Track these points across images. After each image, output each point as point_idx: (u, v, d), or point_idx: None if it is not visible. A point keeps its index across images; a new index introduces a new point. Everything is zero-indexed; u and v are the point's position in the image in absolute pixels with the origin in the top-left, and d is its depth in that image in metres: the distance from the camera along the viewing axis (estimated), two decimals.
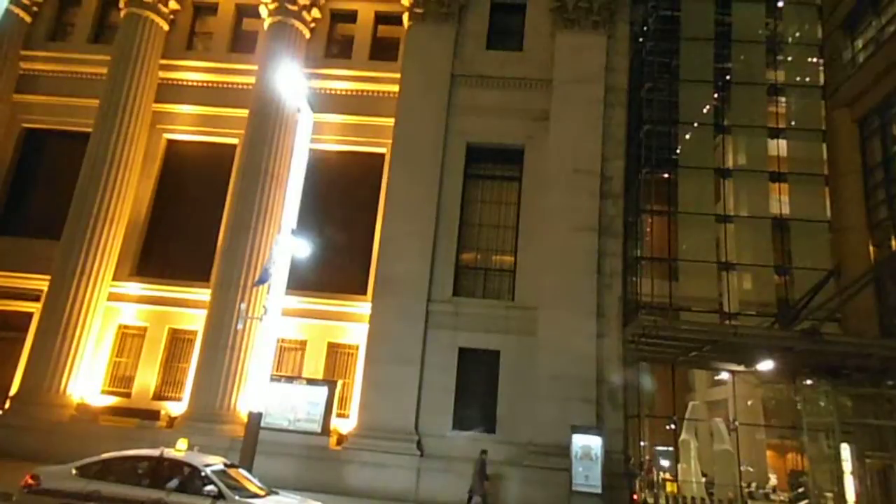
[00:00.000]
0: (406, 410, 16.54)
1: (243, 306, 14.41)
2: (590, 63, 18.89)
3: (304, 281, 18.85)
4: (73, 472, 8.89)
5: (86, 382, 18.30)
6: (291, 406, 16.78)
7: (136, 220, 19.94)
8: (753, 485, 22.02)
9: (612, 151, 18.41)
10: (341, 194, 20.03)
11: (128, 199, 19.67)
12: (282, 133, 19.36)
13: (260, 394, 11.53)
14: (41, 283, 19.20)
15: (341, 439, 17.08)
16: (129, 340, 19.17)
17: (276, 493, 9.45)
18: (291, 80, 12.29)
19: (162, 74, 20.94)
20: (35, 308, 19.23)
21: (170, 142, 20.94)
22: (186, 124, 20.87)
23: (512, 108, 19.01)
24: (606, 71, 18.93)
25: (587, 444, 15.28)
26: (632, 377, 17.17)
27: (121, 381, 18.81)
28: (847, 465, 16.44)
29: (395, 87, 20.08)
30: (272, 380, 16.85)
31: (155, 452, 8.96)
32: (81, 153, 20.37)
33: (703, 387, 26.00)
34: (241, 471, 9.85)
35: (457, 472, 15.81)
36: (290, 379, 17.31)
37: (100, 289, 18.68)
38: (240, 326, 14.11)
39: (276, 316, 12.02)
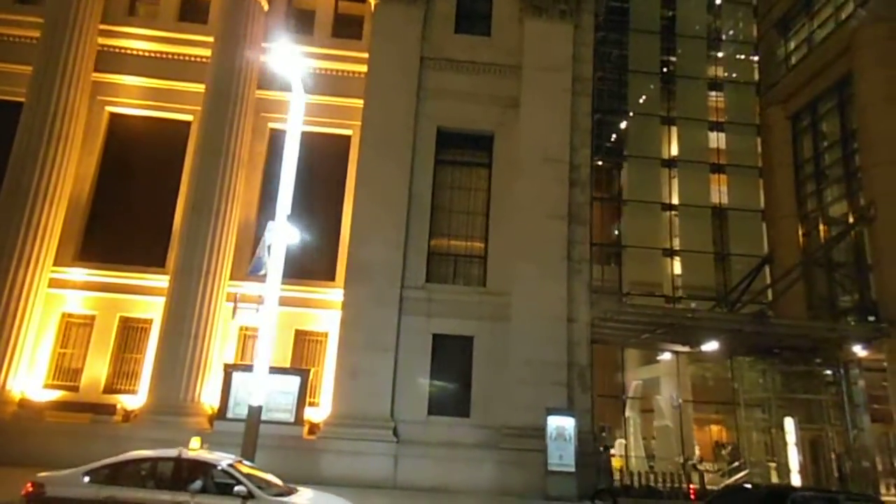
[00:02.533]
0: (382, 397, 16.40)
1: (236, 292, 13.66)
2: (558, 52, 19.15)
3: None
4: (83, 476, 8.19)
5: (27, 376, 16.86)
6: (265, 397, 16.17)
7: (79, 199, 18.42)
8: (680, 458, 23.36)
9: (579, 140, 18.84)
10: (306, 177, 19.28)
11: (68, 176, 18.12)
12: (242, 111, 18.41)
13: (259, 385, 11.06)
14: None
15: (313, 429, 16.71)
16: (74, 330, 17.80)
17: (297, 490, 9.14)
18: (287, 59, 11.67)
19: (101, 41, 19.30)
20: None
21: (113, 115, 19.41)
22: (132, 97, 19.39)
23: (482, 93, 19.00)
24: (573, 61, 19.25)
25: (561, 425, 15.79)
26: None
27: (66, 373, 17.48)
28: (791, 436, 17.86)
29: (361, 67, 19.60)
30: (240, 369, 16.32)
31: (172, 452, 8.40)
32: (5, 124, 18.61)
33: (635, 367, 27.30)
34: (253, 466, 9.46)
35: (434, 458, 15.93)
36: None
37: (40, 274, 17.19)
38: (241, 318, 13.38)
39: (272, 306, 11.54)
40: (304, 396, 16.38)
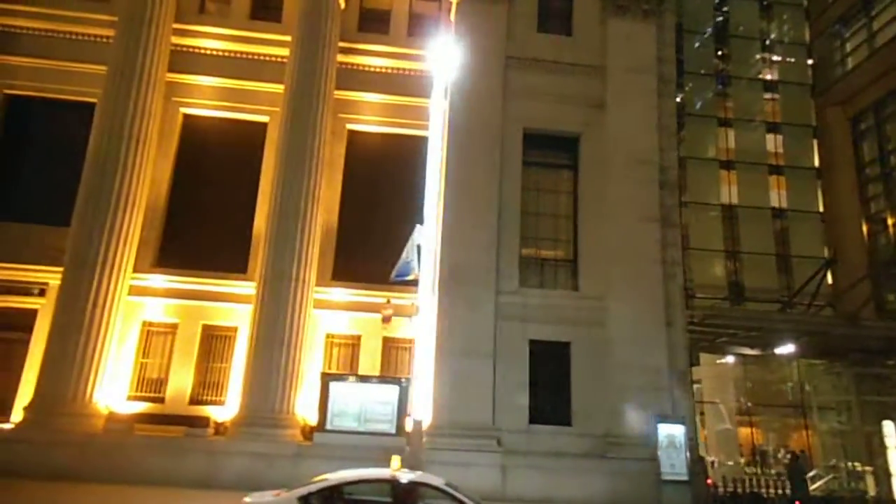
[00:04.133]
0: (483, 405, 15.94)
1: (388, 298, 13.08)
2: (643, 52, 18.86)
3: (353, 273, 17.79)
4: (296, 501, 7.65)
5: (111, 388, 16.18)
6: (360, 406, 15.70)
7: (156, 203, 17.79)
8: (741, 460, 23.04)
9: (666, 142, 18.54)
10: (386, 180, 18.90)
11: (145, 179, 17.45)
12: (323, 112, 17.88)
13: (421, 398, 10.57)
14: (45, 275, 16.77)
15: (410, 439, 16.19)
16: (155, 339, 17.15)
17: None
18: (439, 59, 11.22)
19: (174, 40, 18.66)
20: (38, 304, 16.75)
21: (187, 116, 18.77)
22: (206, 97, 18.78)
23: (566, 94, 18.60)
24: (657, 61, 18.98)
25: (671, 433, 15.47)
26: None
27: (150, 384, 16.85)
28: (891, 439, 17.65)
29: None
30: (338, 378, 15.81)
31: (384, 472, 7.88)
32: (74, 125, 18.02)
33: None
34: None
35: (540, 468, 15.49)
36: (360, 378, 16.17)
37: (122, 282, 16.52)
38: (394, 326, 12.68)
39: (428, 312, 11.06)
40: (404, 406, 15.85)
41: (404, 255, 11.17)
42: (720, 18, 24.98)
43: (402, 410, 15.79)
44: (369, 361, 17.28)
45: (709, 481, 16.39)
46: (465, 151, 17.63)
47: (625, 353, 16.51)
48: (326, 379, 15.93)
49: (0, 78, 18.11)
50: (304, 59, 18.00)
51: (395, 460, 8.51)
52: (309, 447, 15.31)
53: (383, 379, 16.22)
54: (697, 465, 16.08)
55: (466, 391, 15.94)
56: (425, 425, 16.04)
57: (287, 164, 17.25)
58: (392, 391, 15.89)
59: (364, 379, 16.17)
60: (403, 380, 16.20)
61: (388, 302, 12.12)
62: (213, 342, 17.22)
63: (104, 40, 18.32)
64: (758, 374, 23.65)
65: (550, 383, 16.69)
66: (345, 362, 17.47)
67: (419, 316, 11.18)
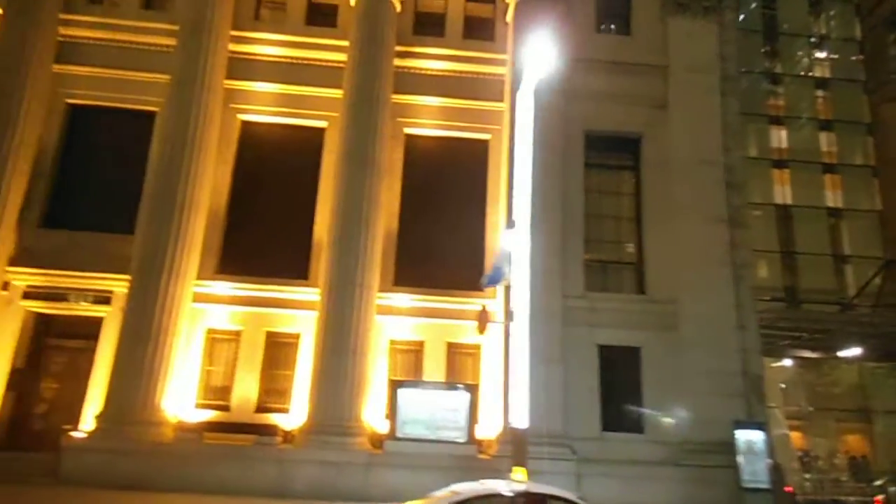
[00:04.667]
0: (554, 413, 15.61)
1: (485, 305, 12.84)
2: (705, 50, 18.53)
3: (415, 278, 17.59)
4: None
5: (178, 396, 16.09)
6: (430, 413, 15.46)
7: (216, 210, 17.71)
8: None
9: (732, 141, 18.15)
10: (444, 184, 18.69)
11: (206, 186, 17.40)
12: (382, 116, 17.73)
13: (520, 405, 10.31)
14: (109, 283, 16.76)
15: (479, 447, 15.93)
16: (219, 346, 17.06)
17: None
18: (539, 59, 11.00)
19: (231, 47, 18.64)
20: (103, 312, 16.74)
21: (245, 123, 18.72)
22: (263, 104, 18.72)
23: (627, 94, 18.30)
24: (720, 59, 18.62)
25: (751, 439, 15.04)
26: None
27: (215, 392, 16.71)
28: None
29: (494, 69, 19.05)
30: (407, 385, 15.60)
31: (516, 486, 7.59)
32: (133, 133, 18.07)
33: None
34: None
35: (615, 477, 15.14)
36: (429, 384, 15.95)
37: (186, 288, 16.46)
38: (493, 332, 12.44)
39: (523, 319, 10.80)
40: (474, 413, 15.59)
41: (494, 260, 10.90)
42: (769, 15, 24.65)
43: (472, 418, 15.54)
44: (434, 368, 17.02)
45: (788, 488, 15.92)
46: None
47: (697, 358, 16.13)
48: (395, 386, 15.73)
49: (63, 87, 18.14)
50: (363, 62, 17.88)
51: (520, 472, 8.24)
52: (379, 455, 15.10)
53: (453, 385, 15.94)
54: (775, 472, 15.62)
55: (538, 398, 15.60)
56: (495, 433, 15.85)
57: (348, 168, 17.12)
58: (462, 398, 15.64)
59: (433, 386, 15.93)
60: (472, 387, 15.94)
61: (485, 309, 11.83)
62: (277, 349, 17.06)
63: (162, 49, 18.33)
64: (814, 377, 23.11)
65: (621, 390, 16.34)
66: (408, 369, 17.24)
67: (512, 321, 10.91)
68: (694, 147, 17.69)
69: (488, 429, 16.16)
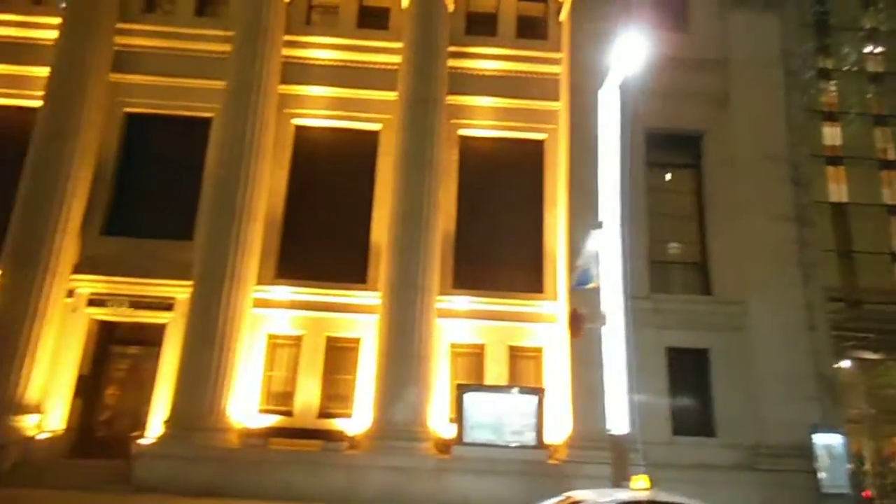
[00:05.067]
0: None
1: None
2: (767, 45, 18.12)
3: (475, 280, 17.41)
4: None
5: (242, 401, 16.07)
6: (497, 418, 15.25)
7: (273, 215, 17.68)
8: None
9: (797, 137, 17.72)
10: (501, 185, 18.47)
11: (264, 191, 17.38)
12: (438, 118, 17.59)
13: (621, 410, 10.06)
14: (171, 289, 16.81)
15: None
16: (280, 351, 17.01)
17: None
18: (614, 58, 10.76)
19: (285, 52, 18.61)
20: (166, 318, 16.78)
21: (298, 128, 18.69)
22: (316, 108, 18.67)
23: (687, 91, 17.94)
24: (782, 53, 18.19)
25: (829, 443, 14.63)
26: None
27: (278, 398, 16.65)
28: None
29: (548, 68, 18.82)
30: (472, 389, 15.40)
31: (624, 494, 7.35)
32: (188, 140, 18.14)
33: None
34: None
35: (688, 482, 14.56)
36: (495, 388, 15.76)
37: (247, 294, 16.45)
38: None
39: (619, 322, 10.56)
40: (542, 417, 15.33)
41: (581, 262, 10.68)
42: (819, 10, 24.08)
43: (540, 422, 15.30)
44: (496, 371, 16.80)
45: (867, 493, 15.45)
46: (586, 154, 16.92)
47: (768, 360, 15.73)
48: (461, 390, 15.54)
49: (120, 96, 18.25)
50: (417, 64, 17.80)
51: (642, 479, 7.97)
52: (448, 461, 14.92)
53: (522, 389, 15.71)
54: (854, 476, 15.17)
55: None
56: (563, 437, 15.58)
57: (405, 170, 17.01)
58: (530, 402, 15.40)
59: (499, 389, 15.73)
60: (540, 391, 15.69)
61: (576, 311, 11.56)
62: (338, 353, 16.96)
63: (216, 55, 18.37)
64: (869, 378, 22.49)
65: (690, 392, 16.02)
66: (469, 372, 17.03)
67: (608, 324, 10.66)
68: (758, 143, 17.29)
69: (555, 433, 15.88)
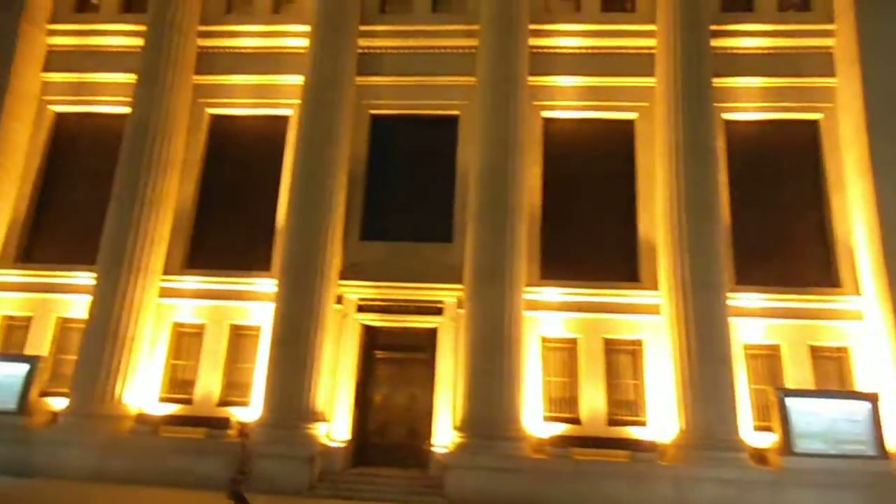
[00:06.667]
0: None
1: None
2: None
3: (762, 275, 16.05)
4: None
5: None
6: (826, 425, 13.81)
7: (532, 212, 16.77)
8: None
9: None
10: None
11: (525, 189, 16.52)
12: (708, 103, 16.32)
13: None
14: (439, 293, 16.41)
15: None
16: (554, 355, 16.17)
17: None
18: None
19: (530, 42, 17.68)
20: (436, 322, 16.31)
21: (547, 120, 17.85)
22: (565, 98, 17.78)
23: None
24: None
25: None
26: None
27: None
28: None
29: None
30: (796, 395, 14.03)
31: None
32: (434, 139, 18.08)
33: None
34: None
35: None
36: (820, 393, 14.33)
37: (520, 296, 15.60)
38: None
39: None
40: (879, 424, 13.73)
41: None
42: None
43: (879, 429, 13.72)
44: (796, 373, 15.23)
45: None
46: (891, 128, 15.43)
47: None
48: (782, 394, 14.18)
49: (365, 99, 18.04)
50: (680, 46, 16.56)
51: None
52: (781, 472, 13.59)
53: (852, 394, 14.20)
54: None
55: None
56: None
57: (682, 160, 15.83)
58: (862, 407, 13.86)
59: (827, 394, 14.28)
60: (874, 396, 14.11)
61: None
62: (616, 357, 15.96)
63: (457, 50, 17.92)
64: None
65: None
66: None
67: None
68: None
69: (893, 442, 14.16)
